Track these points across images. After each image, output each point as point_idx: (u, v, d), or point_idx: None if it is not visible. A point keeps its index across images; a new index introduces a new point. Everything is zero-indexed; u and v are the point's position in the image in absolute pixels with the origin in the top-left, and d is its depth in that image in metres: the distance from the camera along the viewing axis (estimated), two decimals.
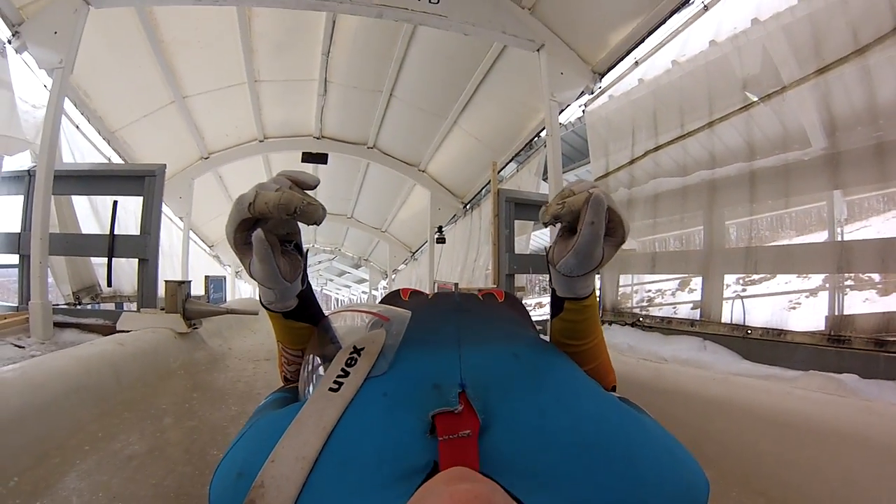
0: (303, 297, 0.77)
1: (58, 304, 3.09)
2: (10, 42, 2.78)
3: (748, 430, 1.32)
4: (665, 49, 3.04)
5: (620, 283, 3.44)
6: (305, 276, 0.75)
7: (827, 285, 2.13)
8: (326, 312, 0.85)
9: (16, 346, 2.29)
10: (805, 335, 2.09)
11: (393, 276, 10.63)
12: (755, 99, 2.40)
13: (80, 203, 3.63)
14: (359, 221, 9.82)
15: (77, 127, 4.21)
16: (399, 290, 1.17)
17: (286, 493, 0.52)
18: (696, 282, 3.27)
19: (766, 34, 2.32)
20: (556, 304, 0.79)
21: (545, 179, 4.37)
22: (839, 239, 2.38)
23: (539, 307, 11.16)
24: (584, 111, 3.67)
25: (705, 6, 2.74)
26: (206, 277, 5.10)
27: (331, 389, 0.62)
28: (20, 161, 3.18)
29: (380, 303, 1.02)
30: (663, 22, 2.93)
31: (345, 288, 21.16)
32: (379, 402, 0.61)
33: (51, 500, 1.10)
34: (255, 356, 2.99)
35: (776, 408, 1.30)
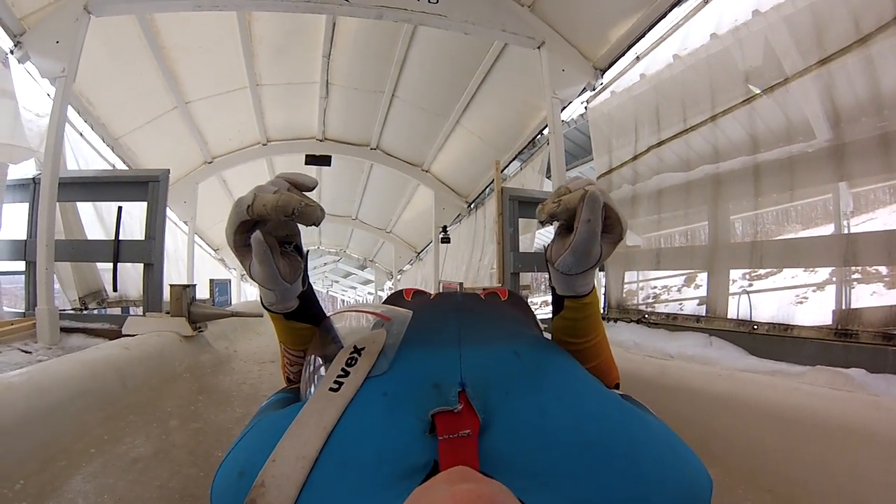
0: (304, 298, 0.77)
1: (64, 310, 3.12)
2: (12, 52, 2.81)
3: (754, 427, 1.31)
4: (666, 43, 3.03)
5: (626, 280, 3.42)
6: (306, 277, 0.76)
7: (834, 279, 2.10)
8: (328, 313, 0.85)
9: (23, 351, 2.31)
10: (812, 330, 2.07)
11: (398, 277, 10.62)
12: (758, 91, 2.38)
13: (85, 209, 3.67)
14: (363, 223, 9.81)
15: (81, 134, 4.26)
16: (402, 290, 1.17)
17: (287, 492, 0.52)
18: (702, 277, 3.25)
19: (767, 25, 2.30)
20: (557, 303, 0.79)
21: (549, 177, 4.35)
22: (845, 232, 2.35)
23: (545, 305, 11.12)
24: (586, 108, 3.67)
25: None
26: (211, 281, 5.11)
27: (331, 389, 0.62)
28: (25, 169, 3.22)
29: (383, 303, 1.02)
30: (664, 16, 2.92)
31: (351, 289, 21.22)
32: (379, 402, 0.61)
33: (56, 502, 1.10)
34: (261, 358, 3.00)
35: (782, 403, 1.28)
